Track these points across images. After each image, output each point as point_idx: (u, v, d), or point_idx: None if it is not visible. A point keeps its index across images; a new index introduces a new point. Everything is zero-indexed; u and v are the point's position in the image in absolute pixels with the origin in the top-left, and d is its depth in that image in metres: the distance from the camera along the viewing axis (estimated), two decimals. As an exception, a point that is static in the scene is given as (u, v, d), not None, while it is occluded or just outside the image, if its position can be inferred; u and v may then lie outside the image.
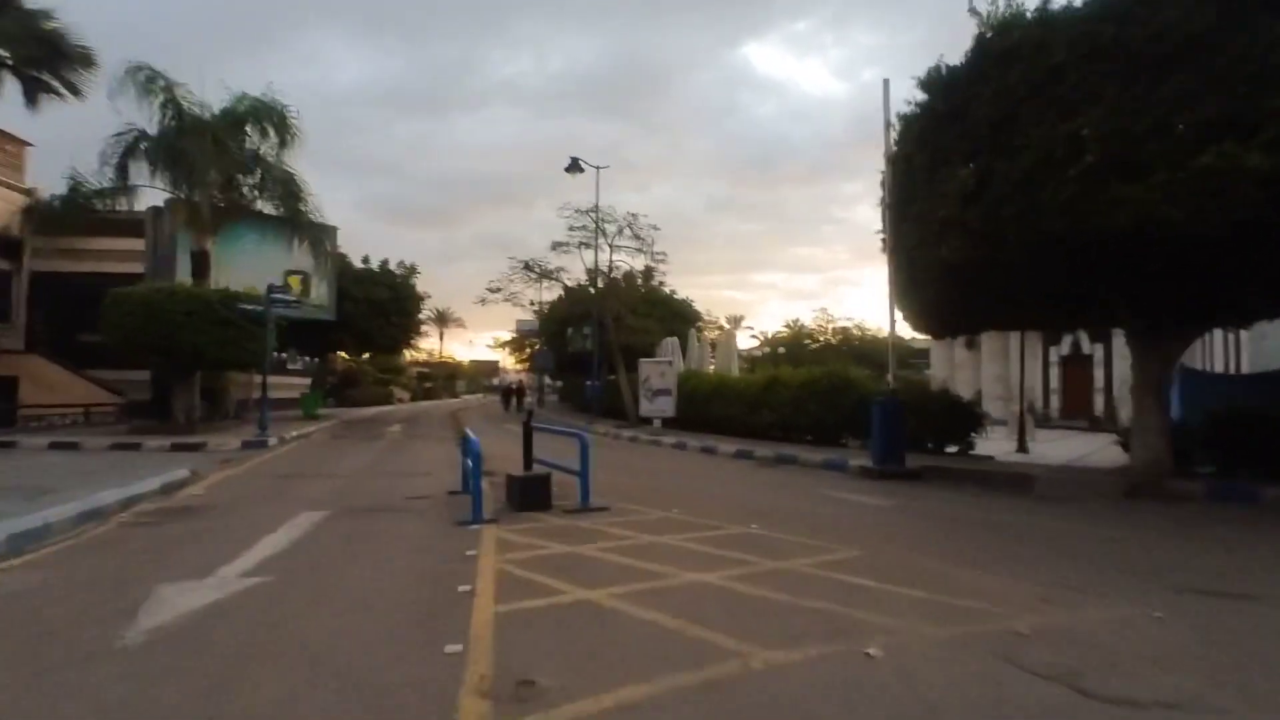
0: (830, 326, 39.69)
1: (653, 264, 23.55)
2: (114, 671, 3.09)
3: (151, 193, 17.65)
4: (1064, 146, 6.39)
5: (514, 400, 34.73)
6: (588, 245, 21.68)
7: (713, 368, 23.73)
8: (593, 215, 21.17)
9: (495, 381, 65.35)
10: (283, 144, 16.52)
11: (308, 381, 28.99)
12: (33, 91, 15.47)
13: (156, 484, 8.16)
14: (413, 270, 29.04)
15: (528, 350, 42.23)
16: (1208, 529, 6.67)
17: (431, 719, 2.66)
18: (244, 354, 14.83)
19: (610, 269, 22.41)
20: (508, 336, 47.80)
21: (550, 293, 27.17)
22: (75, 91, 15.60)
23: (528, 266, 23.13)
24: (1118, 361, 23.62)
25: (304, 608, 3.99)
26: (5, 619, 3.82)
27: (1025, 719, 2.72)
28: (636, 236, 21.87)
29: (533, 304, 29.05)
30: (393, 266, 28.42)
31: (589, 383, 23.33)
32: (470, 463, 7.22)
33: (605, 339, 21.98)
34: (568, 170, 21.00)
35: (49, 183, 18.24)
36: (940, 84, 8.14)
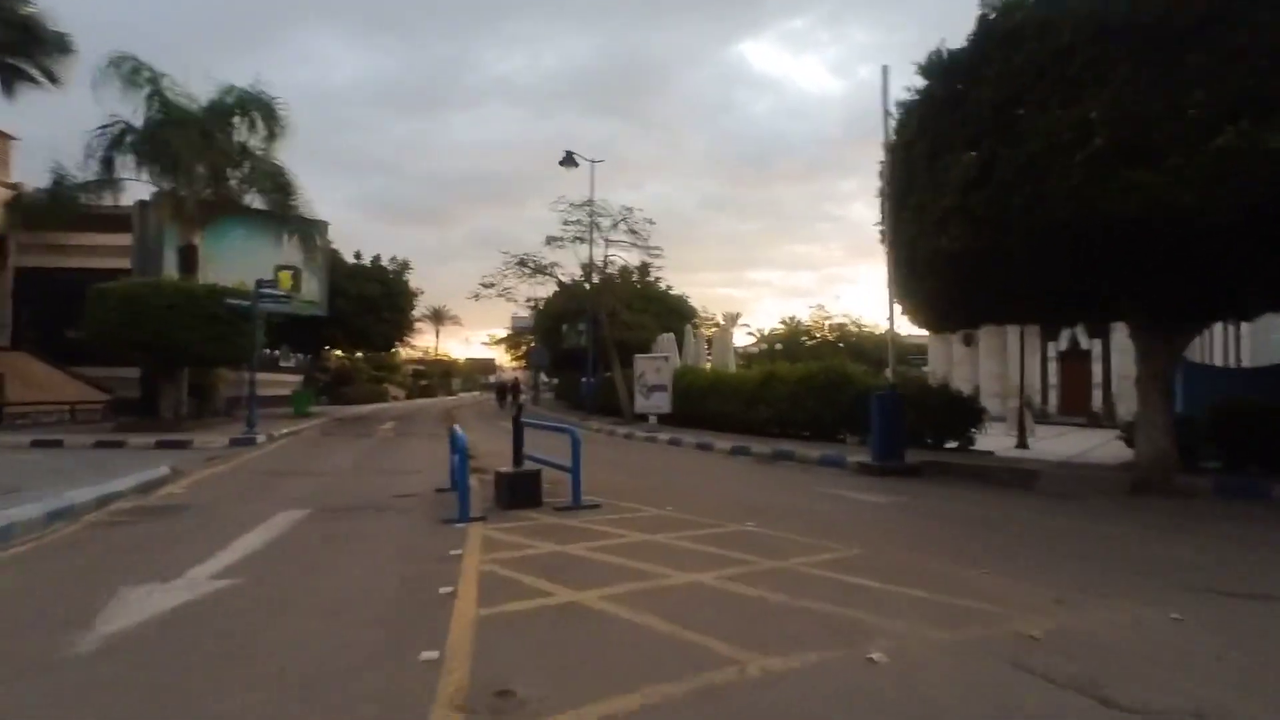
0: (827, 323, 39.53)
1: (648, 259, 23.32)
2: (52, 686, 2.85)
3: (139, 187, 17.40)
4: (1071, 131, 6.18)
5: (509, 397, 34.50)
6: (582, 240, 21.44)
7: (709, 364, 23.53)
8: (587, 209, 20.92)
9: (491, 379, 65.07)
10: (271, 136, 16.23)
11: (301, 379, 28.70)
12: (9, 79, 15.12)
13: (134, 482, 7.90)
14: (405, 266, 28.74)
15: (523, 347, 42.00)
16: (1218, 526, 6.48)
17: (399, 736, 2.44)
18: (232, 350, 14.57)
19: (605, 264, 22.18)
20: (503, 333, 47.63)
21: (545, 288, 26.91)
22: (54, 80, 15.27)
23: (522, 262, 22.84)
24: (1116, 357, 23.50)
25: (273, 612, 3.77)
26: (-47, 625, 3.59)
27: (1044, 732, 2.52)
28: (632, 231, 21.63)
29: (529, 300, 28.80)
30: (385, 262, 28.13)
31: (584, 379, 23.09)
32: (457, 459, 6.97)
33: (600, 335, 21.74)
34: (562, 164, 20.74)
35: (37, 179, 17.94)
36: (941, 68, 7.93)
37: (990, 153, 7.05)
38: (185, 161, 14.89)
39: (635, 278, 25.41)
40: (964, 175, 7.27)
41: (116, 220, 19.95)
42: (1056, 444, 15.33)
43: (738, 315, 40.09)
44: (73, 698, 2.75)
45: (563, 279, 23.45)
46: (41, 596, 4.09)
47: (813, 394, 13.99)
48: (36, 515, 5.76)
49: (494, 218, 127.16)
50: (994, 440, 12.93)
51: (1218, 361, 18.23)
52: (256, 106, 15.95)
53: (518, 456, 7.31)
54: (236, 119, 16.22)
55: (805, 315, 41.45)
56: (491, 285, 22.64)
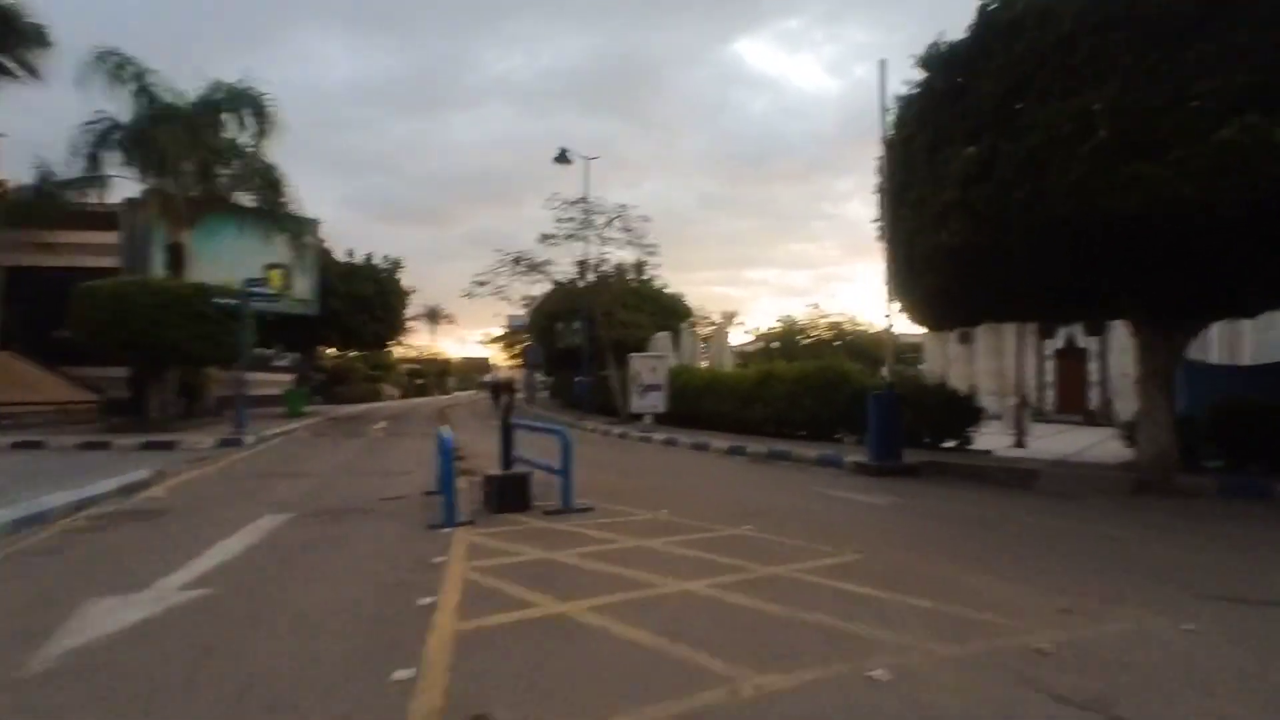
0: (823, 322, 39.38)
1: (644, 257, 23.11)
2: (-1, 709, 2.67)
3: (127, 185, 17.15)
4: (1072, 123, 6.02)
5: (503, 396, 34.22)
6: (576, 238, 21.22)
7: (705, 363, 23.35)
8: (581, 207, 20.70)
9: (487, 378, 64.81)
10: (261, 133, 16.00)
11: (294, 378, 28.42)
12: (-14, 72, 14.85)
13: (114, 485, 7.69)
14: (397, 265, 28.46)
15: (518, 346, 41.75)
16: (1223, 527, 6.34)
17: (363, 767, 2.26)
18: (220, 349, 14.33)
19: (600, 262, 21.97)
20: (499, 332, 47.35)
21: (540, 287, 26.69)
22: (33, 73, 14.98)
23: (517, 261, 22.59)
24: (1113, 355, 23.41)
25: (243, 626, 3.58)
26: (-99, 642, 3.39)
27: (1058, 760, 2.35)
28: (626, 228, 21.41)
29: (523, 299, 28.57)
30: (378, 261, 27.86)
31: (578, 379, 22.90)
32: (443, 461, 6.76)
33: (595, 334, 21.54)
34: (556, 161, 20.51)
35: (22, 176, 17.65)
36: (941, 61, 7.75)
37: (991, 146, 6.88)
38: (172, 158, 14.66)
39: (631, 276, 25.20)
40: (964, 169, 7.10)
41: (105, 218, 19.67)
42: (1054, 443, 15.20)
43: (734, 314, 39.95)
44: (16, 724, 2.56)
45: (557, 278, 23.24)
46: (1, 609, 3.89)
47: (810, 393, 13.83)
48: (6, 520, 5.56)
49: (492, 217, 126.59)
50: (991, 439, 12.80)
51: (1217, 360, 18.12)
52: (245, 102, 15.71)
53: (506, 459, 7.12)
54: (225, 115, 15.97)
55: (802, 314, 41.33)
56: (485, 283, 22.41)
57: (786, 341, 37.09)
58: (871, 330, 38.30)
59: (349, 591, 4.16)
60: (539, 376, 42.14)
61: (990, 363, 27.44)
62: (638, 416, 18.57)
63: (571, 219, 20.99)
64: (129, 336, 13.47)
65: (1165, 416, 8.37)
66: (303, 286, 22.70)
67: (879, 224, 11.00)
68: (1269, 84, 5.24)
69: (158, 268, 17.06)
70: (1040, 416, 23.66)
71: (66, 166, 15.69)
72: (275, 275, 20.16)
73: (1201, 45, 5.41)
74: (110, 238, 19.29)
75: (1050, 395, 26.05)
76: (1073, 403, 25.33)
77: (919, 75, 8.48)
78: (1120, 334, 22.30)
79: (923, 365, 31.39)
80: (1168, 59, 5.53)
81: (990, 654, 3.23)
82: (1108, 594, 4.16)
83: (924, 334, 30.29)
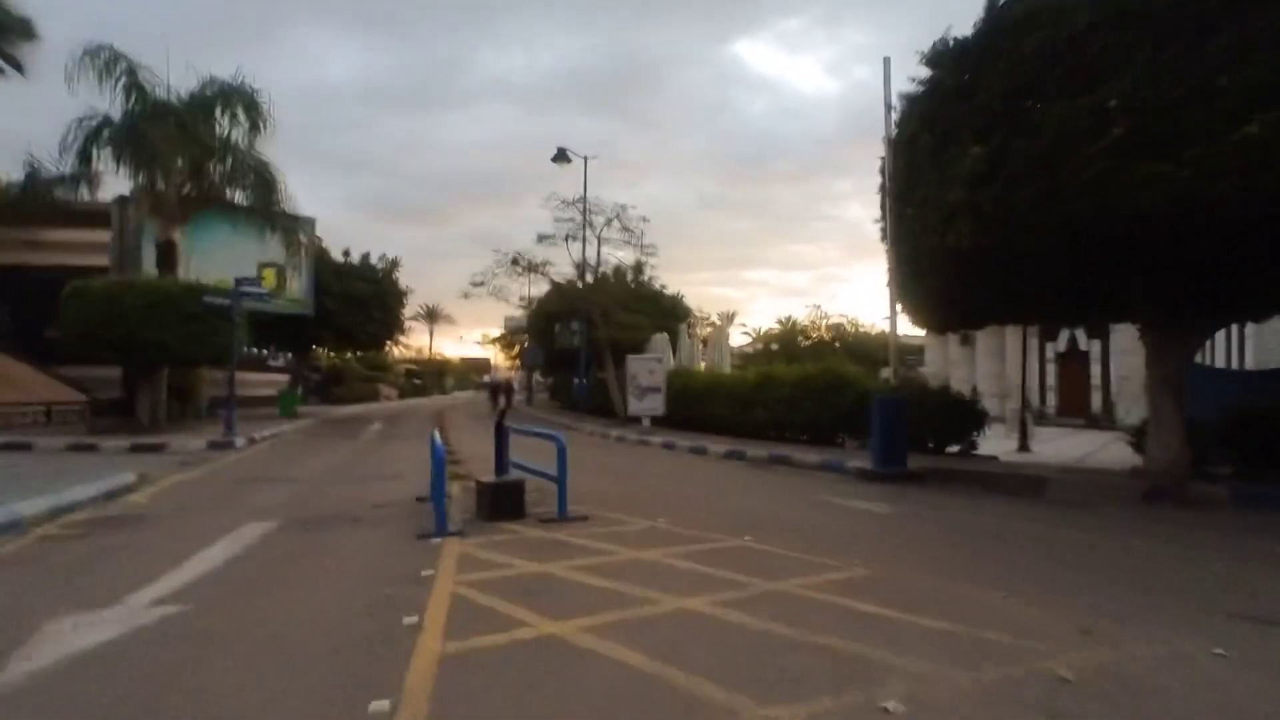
0: (824, 323, 39.21)
1: (643, 257, 22.91)
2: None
3: (119, 183, 16.91)
4: (1087, 120, 5.82)
5: (503, 397, 34.00)
6: (575, 238, 21.01)
7: (704, 365, 23.14)
8: (579, 206, 20.50)
9: (486, 379, 64.65)
10: (254, 129, 15.74)
11: (289, 379, 28.16)
12: (-32, 67, 14.58)
13: (95, 490, 7.46)
14: (394, 264, 28.18)
15: (517, 347, 41.55)
16: (1242, 540, 6.13)
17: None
18: (211, 349, 14.08)
19: (598, 262, 21.76)
20: (498, 333, 47.14)
21: (538, 287, 26.47)
22: (19, 68, 14.73)
23: (515, 261, 22.38)
24: (1115, 358, 23.22)
25: (213, 649, 3.36)
26: None
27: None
28: (625, 228, 21.22)
29: (522, 300, 28.36)
30: (374, 260, 27.60)
31: (577, 380, 22.68)
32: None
33: (593, 335, 21.33)
34: (554, 160, 20.32)
35: (16, 175, 17.38)
36: (948, 58, 7.55)
37: (1000, 145, 6.68)
38: (163, 155, 14.41)
39: (629, 277, 25.00)
40: (972, 168, 6.89)
41: (97, 216, 19.40)
42: (1058, 447, 15.01)
43: (733, 315, 39.77)
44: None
45: (555, 278, 23.04)
46: (-43, 628, 3.67)
47: (811, 396, 13.62)
48: (-25, 530, 5.33)
49: (490, 217, 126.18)
50: (993, 443, 12.59)
51: (1220, 364, 17.93)
52: (238, 98, 15.47)
53: (500, 464, 6.89)
54: (218, 112, 15.73)
55: (801, 315, 41.16)
56: (482, 283, 22.19)
57: (786, 343, 36.89)
58: (872, 332, 38.13)
59: (329, 609, 3.94)
60: (538, 378, 41.92)
61: (991, 365, 27.26)
62: (636, 419, 18.36)
63: (570, 219, 20.81)
64: (118, 337, 13.23)
65: (1176, 422, 8.17)
66: (297, 286, 22.45)
67: (881, 225, 10.80)
68: (1292, 80, 5.05)
69: (149, 266, 16.81)
70: (1041, 420, 23.46)
71: (57, 164, 15.43)
72: (269, 274, 19.94)
73: (1222, 38, 5.21)
74: (102, 236, 19.02)
75: (1051, 398, 25.86)
76: (1074, 406, 25.15)
77: (924, 74, 8.30)
78: (1123, 337, 22.12)
79: (923, 368, 31.20)
80: (1187, 53, 5.33)
81: (1010, 681, 3.01)
82: (1129, 613, 3.95)
83: (925, 336, 30.15)
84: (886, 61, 9.75)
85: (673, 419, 17.47)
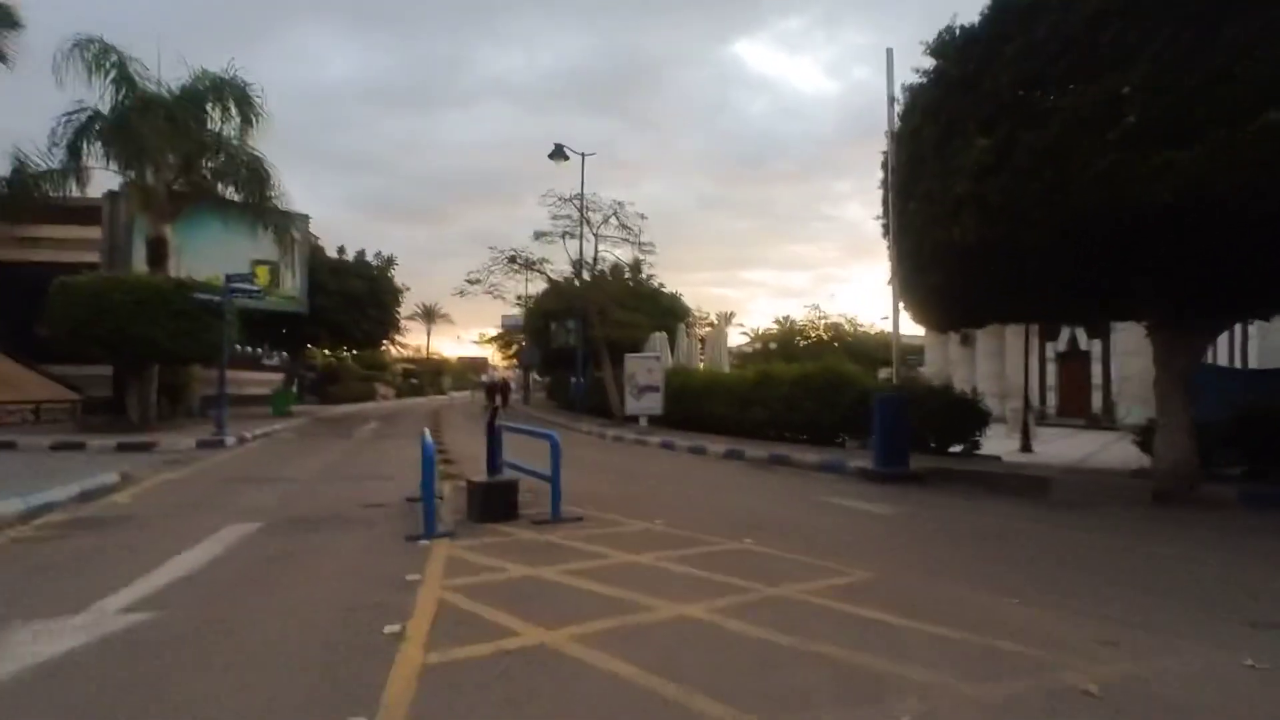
0: (822, 322, 39.00)
1: (641, 255, 22.69)
2: None
3: (111, 178, 16.66)
4: (1098, 109, 5.64)
5: (498, 397, 33.86)
6: (572, 235, 20.80)
7: (702, 364, 22.95)
8: (576, 203, 20.27)
9: (483, 378, 64.46)
10: (246, 123, 15.50)
11: (283, 377, 27.92)
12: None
13: (75, 490, 7.25)
14: (390, 262, 27.91)
15: (515, 346, 41.33)
16: (1258, 542, 5.95)
17: None
18: (201, 347, 13.86)
19: (596, 260, 21.55)
20: (495, 332, 46.92)
21: (535, 285, 26.27)
22: (1, 57, 14.46)
23: (512, 259, 22.14)
24: (1116, 358, 23.07)
25: (182, 661, 3.15)
26: None
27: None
28: (623, 226, 21.01)
29: (519, 298, 28.14)
30: (370, 258, 27.34)
31: (574, 379, 22.47)
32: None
33: (590, 334, 21.11)
34: (552, 157, 20.11)
35: (3, 170, 17.11)
36: (953, 47, 7.37)
37: (1006, 136, 6.49)
38: (153, 149, 14.16)
39: (627, 275, 24.79)
40: (977, 160, 6.71)
41: (88, 212, 19.16)
42: (1061, 447, 14.84)
43: (731, 314, 39.57)
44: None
45: (553, 276, 22.81)
46: (-90, 637, 3.46)
47: (810, 395, 13.43)
48: (-57, 532, 5.12)
49: (489, 216, 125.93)
50: (995, 443, 12.41)
51: (1222, 363, 17.77)
52: (230, 91, 15.22)
53: (492, 464, 6.69)
54: (210, 106, 15.48)
55: (799, 315, 40.94)
56: (478, 281, 21.96)
57: (784, 343, 36.70)
58: (871, 332, 37.97)
59: (307, 616, 3.74)
60: (535, 377, 41.70)
61: (991, 365, 27.10)
62: (634, 418, 18.17)
63: (567, 216, 20.60)
64: (106, 333, 12.99)
65: (1184, 422, 7.98)
66: (291, 283, 22.19)
67: (883, 221, 10.62)
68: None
69: (140, 263, 16.56)
70: (1041, 420, 23.30)
71: (46, 158, 15.15)
72: (262, 271, 19.68)
73: (1240, 22, 5.03)
74: (93, 232, 18.79)
75: (1052, 398, 25.70)
76: (1074, 406, 25.00)
77: (928, 65, 8.11)
78: (1124, 337, 21.97)
79: (922, 368, 31.03)
80: (1203, 37, 5.15)
81: (1030, 696, 2.82)
82: (1148, 621, 3.76)
83: (924, 336, 29.98)
84: (889, 53, 9.57)
85: (671, 418, 17.28)
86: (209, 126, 15.86)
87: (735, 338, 38.48)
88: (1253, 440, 8.71)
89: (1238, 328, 16.90)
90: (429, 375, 62.87)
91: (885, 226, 10.42)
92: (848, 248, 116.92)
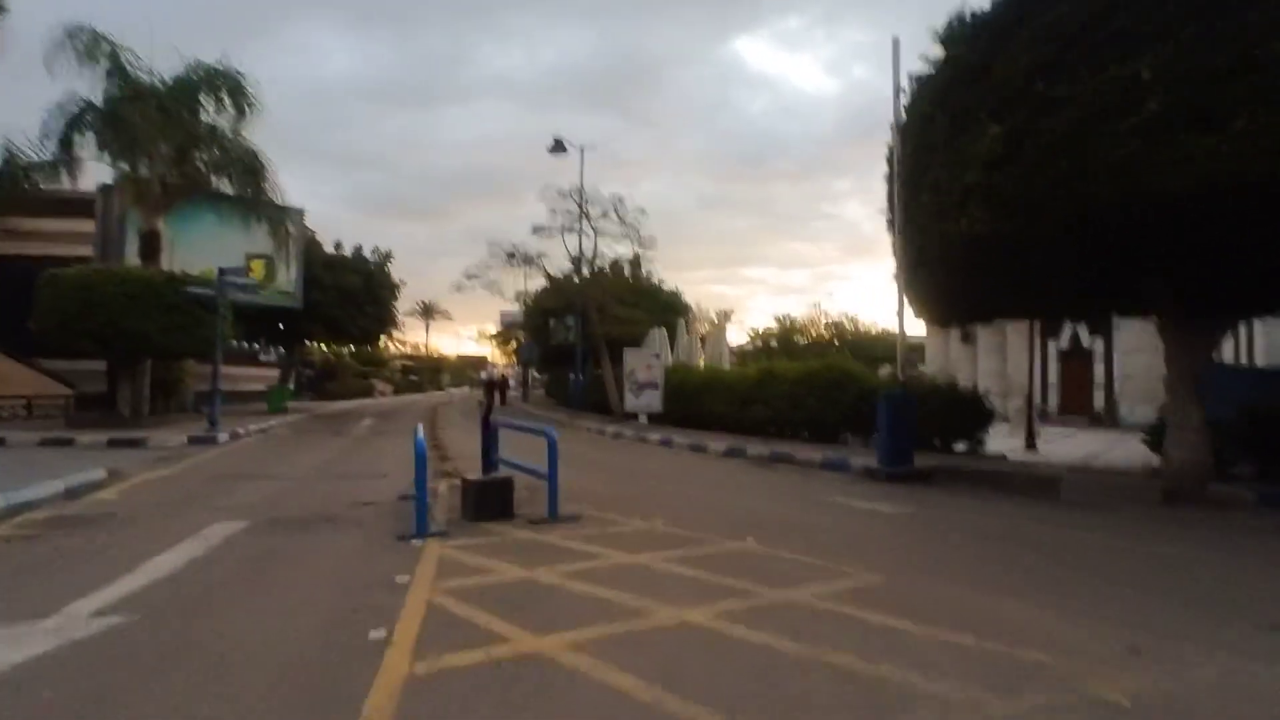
0: (823, 320, 38.84)
1: (640, 250, 22.44)
2: None
3: (104, 172, 16.43)
4: (1119, 94, 5.43)
5: (497, 393, 33.68)
6: (571, 230, 20.57)
7: (702, 361, 22.75)
8: (575, 197, 20.06)
9: (482, 375, 64.31)
10: (240, 115, 15.27)
11: (279, 373, 27.69)
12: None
13: (59, 487, 7.07)
14: (387, 257, 27.65)
15: (514, 343, 41.11)
16: (1277, 544, 5.77)
17: None
18: (194, 341, 13.65)
19: (595, 256, 21.33)
20: (494, 329, 46.71)
21: (534, 282, 26.03)
22: (-12, 44, 14.25)
23: (511, 255, 21.90)
24: (1119, 356, 22.90)
25: (151, 670, 2.96)
26: None
27: None
28: (623, 221, 20.76)
29: (518, 295, 27.91)
30: (367, 253, 27.07)
31: (572, 376, 22.26)
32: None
33: (589, 330, 20.90)
34: (551, 151, 19.91)
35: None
36: (964, 34, 7.16)
37: (1019, 124, 6.29)
38: (145, 140, 13.94)
39: (627, 271, 24.56)
40: (989, 150, 6.51)
41: (81, 205, 18.94)
42: (1065, 446, 14.68)
43: (731, 312, 39.37)
44: None
45: (552, 272, 22.58)
46: None
47: (813, 393, 13.24)
48: (-86, 530, 4.92)
49: (489, 213, 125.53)
50: (998, 441, 12.23)
51: (1228, 361, 17.60)
52: (224, 82, 14.99)
53: (487, 461, 6.50)
54: (204, 97, 15.26)
55: (800, 313, 40.79)
56: (476, 276, 21.73)
57: (784, 340, 36.53)
58: (873, 330, 37.81)
59: (291, 621, 3.55)
60: (534, 374, 41.51)
61: (993, 363, 26.92)
62: (633, 416, 17.99)
63: (566, 210, 20.37)
64: (96, 328, 12.79)
65: (1197, 421, 7.79)
66: (285, 278, 21.94)
67: (888, 215, 10.42)
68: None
69: (133, 256, 16.34)
70: (1043, 418, 23.14)
71: (38, 150, 14.93)
72: (257, 265, 19.47)
73: (1267, 4, 4.83)
74: (86, 226, 18.56)
75: (1053, 396, 25.53)
76: (1076, 404, 24.83)
77: (935, 55, 7.91)
78: (1126, 334, 21.80)
79: (922, 366, 30.87)
80: (1231, 17, 4.95)
81: (1055, 709, 2.64)
82: (1174, 627, 3.58)
83: (925, 333, 29.81)
84: (895, 42, 9.37)
85: (670, 416, 17.11)
86: (203, 118, 15.65)
87: (735, 335, 38.31)
88: (1263, 440, 8.53)
89: (1243, 325, 16.72)
90: (428, 372, 62.65)
91: (890, 220, 10.22)
92: (847, 246, 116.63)
